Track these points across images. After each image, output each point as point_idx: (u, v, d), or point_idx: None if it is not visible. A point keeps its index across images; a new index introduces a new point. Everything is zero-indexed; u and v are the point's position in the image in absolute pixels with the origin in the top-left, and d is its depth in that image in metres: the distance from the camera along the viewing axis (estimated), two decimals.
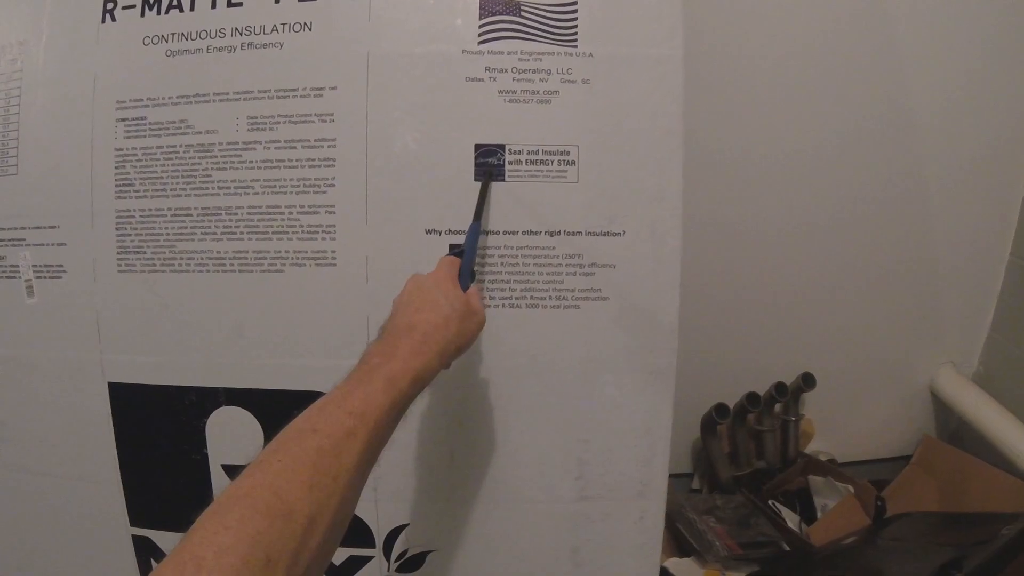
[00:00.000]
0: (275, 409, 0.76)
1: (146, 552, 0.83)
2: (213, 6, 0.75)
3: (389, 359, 0.51)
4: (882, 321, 1.18)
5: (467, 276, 0.64)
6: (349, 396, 0.47)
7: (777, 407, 1.13)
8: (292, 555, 0.38)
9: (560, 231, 0.71)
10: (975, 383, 1.19)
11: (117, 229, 0.77)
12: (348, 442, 0.44)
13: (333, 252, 0.73)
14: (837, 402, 1.19)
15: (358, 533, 0.77)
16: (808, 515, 1.04)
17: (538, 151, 0.71)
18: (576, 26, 0.71)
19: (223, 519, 0.38)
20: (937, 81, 1.10)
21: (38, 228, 0.79)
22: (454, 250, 0.70)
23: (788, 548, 0.94)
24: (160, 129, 0.76)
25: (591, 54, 0.71)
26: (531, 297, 0.72)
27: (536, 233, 0.72)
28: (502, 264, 0.72)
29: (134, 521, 0.82)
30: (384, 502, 0.77)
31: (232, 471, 0.78)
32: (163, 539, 0.82)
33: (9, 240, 0.80)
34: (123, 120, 0.77)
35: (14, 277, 0.81)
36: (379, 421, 0.47)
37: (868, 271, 1.15)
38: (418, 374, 0.51)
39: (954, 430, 1.23)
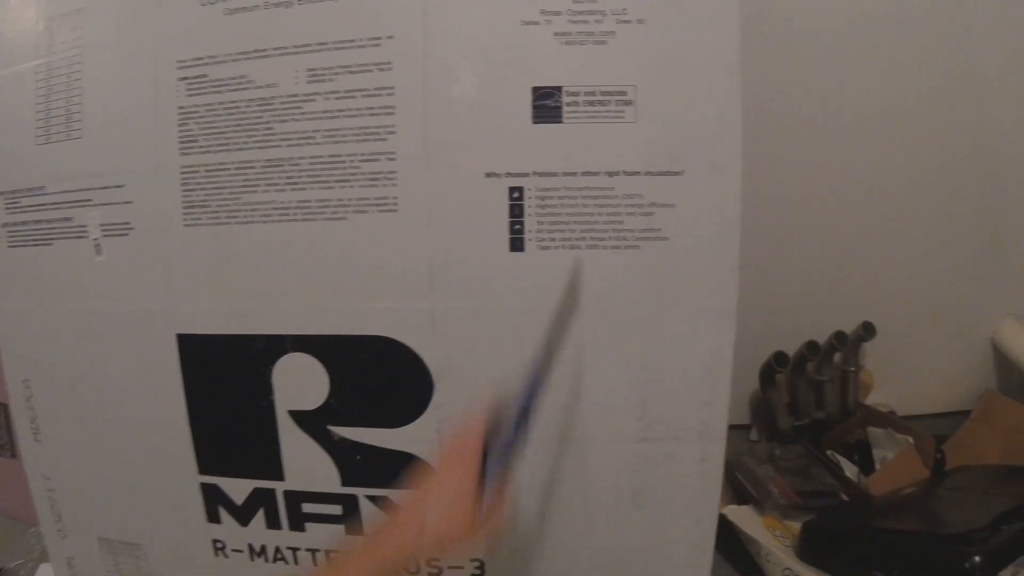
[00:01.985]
0: (340, 354, 0.78)
1: (214, 499, 0.86)
2: None
3: None
4: (945, 271, 1.15)
5: (518, 441, 0.52)
6: None
7: (837, 357, 1.12)
8: None
9: (619, 171, 0.71)
10: None
11: (182, 185, 0.79)
12: None
13: (395, 198, 0.74)
14: (897, 354, 1.16)
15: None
16: (867, 466, 1.02)
17: (595, 92, 0.71)
18: None
19: None
20: (1007, 40, 1.06)
21: (104, 188, 0.82)
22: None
23: (847, 498, 0.94)
24: (222, 85, 0.78)
25: None
26: (591, 238, 0.72)
27: (595, 174, 0.72)
28: (562, 205, 0.72)
29: (203, 469, 0.85)
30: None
31: (298, 417, 0.80)
32: (231, 486, 0.85)
33: (76, 202, 0.83)
34: (184, 79, 0.79)
35: (83, 237, 0.84)
36: None
37: (931, 220, 1.12)
38: None
39: (1017, 384, 1.20)
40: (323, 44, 0.75)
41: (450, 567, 0.83)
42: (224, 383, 0.82)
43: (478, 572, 0.82)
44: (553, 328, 0.63)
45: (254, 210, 0.77)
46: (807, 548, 0.87)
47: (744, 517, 0.92)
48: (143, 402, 0.84)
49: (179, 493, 0.86)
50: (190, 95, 0.79)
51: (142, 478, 0.87)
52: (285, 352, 0.79)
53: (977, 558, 0.77)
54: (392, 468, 0.77)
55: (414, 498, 0.53)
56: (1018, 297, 1.17)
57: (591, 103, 0.71)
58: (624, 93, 0.71)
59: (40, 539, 0.98)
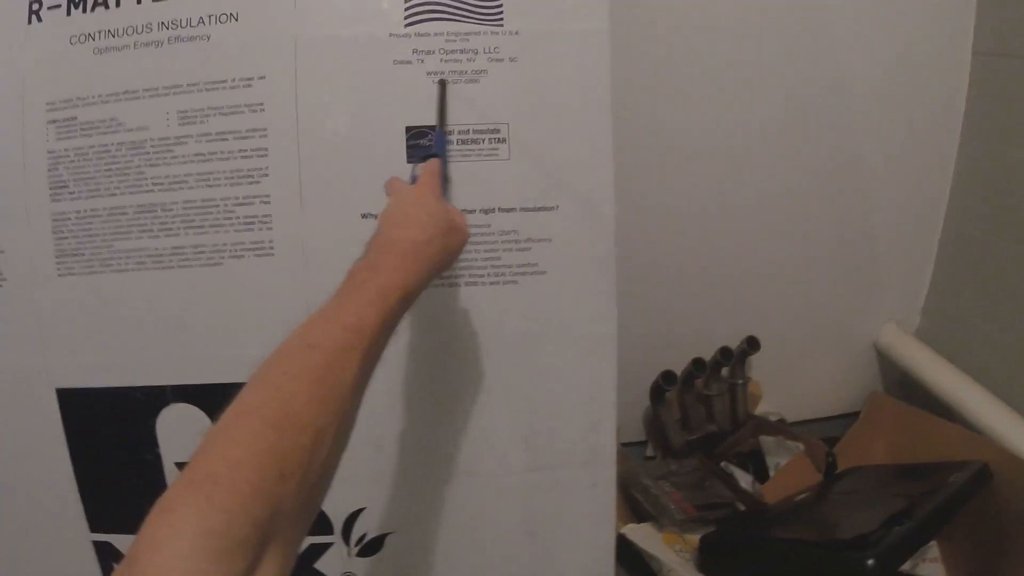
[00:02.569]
0: (222, 402, 0.76)
1: (108, 557, 0.82)
2: (139, 1, 0.74)
3: (375, 274, 0.50)
4: (824, 282, 1.21)
5: (445, 181, 0.65)
6: (340, 312, 0.47)
7: (724, 371, 1.16)
8: (304, 468, 0.38)
9: (494, 208, 0.72)
10: (918, 338, 1.23)
11: (54, 232, 0.76)
12: (346, 356, 0.44)
13: (271, 241, 0.73)
14: (783, 364, 1.21)
15: (315, 521, 0.78)
16: (761, 475, 1.07)
17: (469, 130, 0.72)
18: (501, 5, 0.72)
19: (232, 434, 0.37)
20: (871, 52, 1.12)
21: None
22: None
23: (743, 507, 0.97)
24: (91, 128, 0.75)
25: (517, 32, 0.72)
26: (470, 275, 0.73)
27: (471, 212, 0.72)
28: None
29: (94, 527, 0.81)
30: (338, 487, 0.76)
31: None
32: (124, 542, 0.81)
33: None
34: (54, 122, 0.76)
35: None
36: (374, 336, 0.46)
37: (808, 235, 1.18)
38: (406, 290, 0.51)
39: (900, 385, 1.27)
40: (194, 84, 0.73)
41: None
42: (108, 437, 0.79)
43: None
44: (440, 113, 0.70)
45: (128, 257, 0.75)
46: (707, 562, 0.90)
47: (644, 535, 0.94)
48: (25, 462, 0.80)
49: (72, 553, 0.82)
50: (60, 139, 0.76)
51: (33, 541, 0.83)
52: (167, 403, 0.77)
53: (870, 561, 0.80)
54: None
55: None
56: (897, 303, 1.25)
57: (464, 141, 0.72)
58: (497, 131, 0.72)
59: None
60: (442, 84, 0.71)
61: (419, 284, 0.53)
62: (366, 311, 0.47)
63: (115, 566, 0.81)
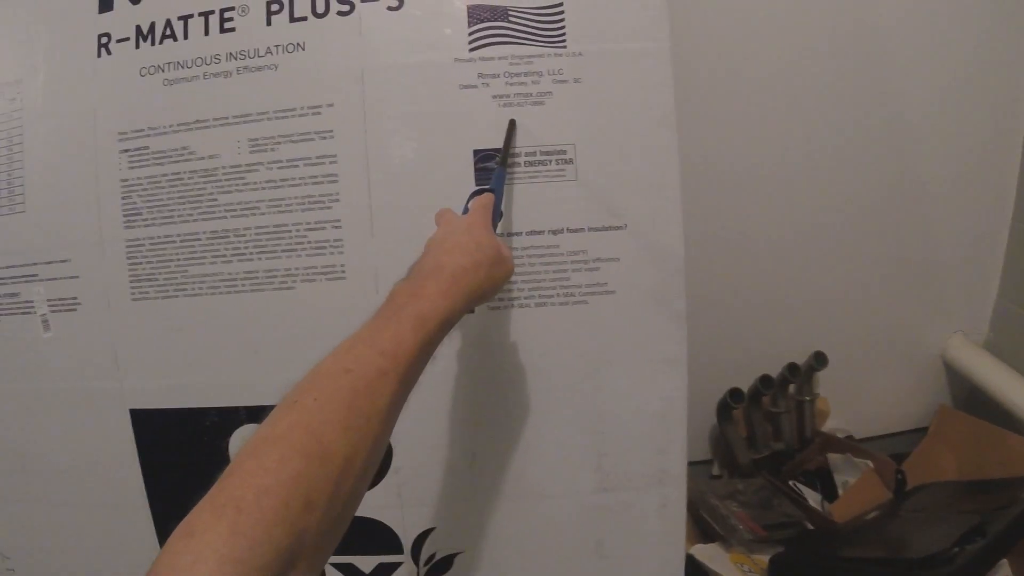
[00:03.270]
0: None
1: None
2: (206, 33, 0.76)
3: (417, 299, 0.50)
4: (889, 296, 1.19)
5: (497, 217, 0.65)
6: (378, 335, 0.46)
7: (791, 388, 1.14)
8: (329, 497, 0.38)
9: (563, 229, 0.73)
10: (986, 350, 1.19)
11: (128, 258, 0.78)
12: (381, 382, 0.43)
13: (342, 266, 0.74)
14: (850, 379, 1.19)
15: (386, 539, 0.78)
16: (829, 493, 1.04)
17: (535, 152, 0.72)
18: (564, 26, 0.72)
19: (261, 461, 0.37)
20: (929, 61, 1.12)
21: (49, 263, 0.81)
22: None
23: (811, 526, 0.95)
24: (163, 157, 0.77)
25: (580, 53, 0.72)
26: (539, 296, 0.73)
27: (539, 232, 0.73)
28: None
29: None
30: (409, 507, 0.78)
31: None
32: None
33: (22, 276, 0.82)
34: (126, 151, 0.78)
35: (29, 312, 0.82)
36: (410, 362, 0.46)
37: (873, 249, 1.16)
38: (446, 316, 0.50)
39: (968, 398, 1.23)
40: (264, 113, 0.75)
41: None
42: (181, 458, 0.80)
43: None
44: (504, 152, 0.71)
45: (201, 282, 0.77)
46: None
47: (711, 555, 0.92)
48: (98, 480, 0.83)
49: (142, 573, 0.84)
50: (132, 167, 0.78)
51: (104, 559, 0.85)
52: (240, 423, 0.78)
53: None
54: (356, 535, 0.76)
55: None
56: (963, 314, 1.22)
57: (531, 163, 0.72)
58: (564, 152, 0.72)
59: None
60: (511, 123, 0.72)
61: (459, 311, 0.52)
62: (404, 336, 0.47)
63: None
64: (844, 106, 1.11)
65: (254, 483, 0.35)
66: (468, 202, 0.64)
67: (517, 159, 0.72)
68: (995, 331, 1.22)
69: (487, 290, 0.57)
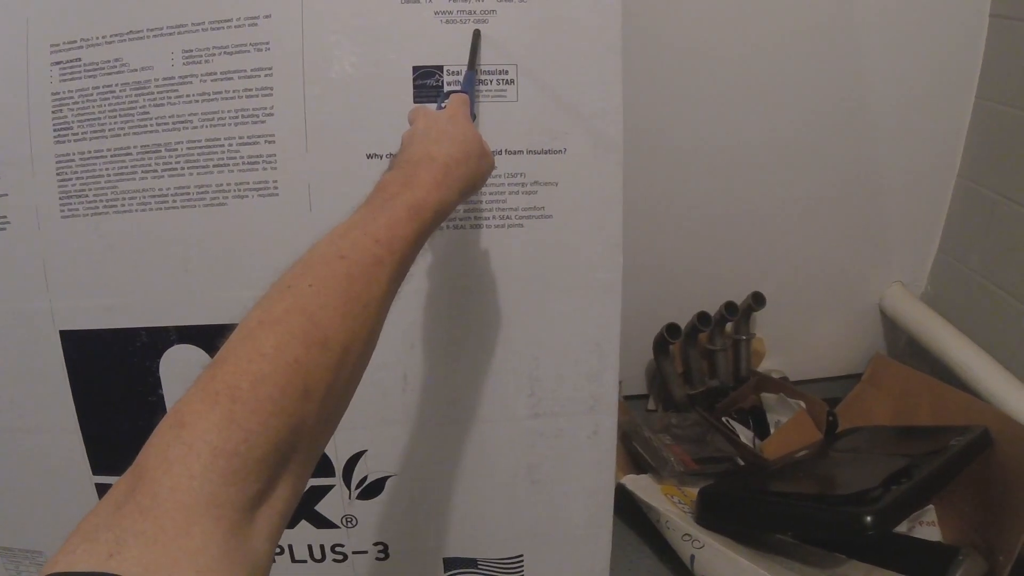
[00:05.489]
0: None
1: None
2: None
3: (410, 188, 0.48)
4: (831, 241, 1.20)
5: (472, 118, 0.63)
6: (372, 223, 0.44)
7: (728, 326, 1.16)
8: (328, 386, 0.36)
9: (501, 150, 0.72)
10: (924, 302, 1.22)
11: (58, 174, 0.75)
12: (377, 270, 0.42)
13: (275, 182, 0.72)
14: (788, 321, 1.21)
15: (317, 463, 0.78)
16: (761, 431, 1.07)
17: (476, 71, 0.71)
18: None
19: (258, 345, 0.35)
20: (884, 22, 1.11)
21: None
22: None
23: (742, 462, 0.97)
24: (96, 69, 0.74)
25: None
26: (475, 217, 0.72)
27: None
28: None
29: (96, 469, 0.82)
30: (341, 430, 0.75)
31: None
32: None
33: None
34: (58, 63, 0.75)
35: None
36: (404, 251, 0.44)
37: (817, 191, 1.17)
38: (441, 206, 0.49)
39: (903, 348, 1.27)
40: (199, 24, 0.72)
41: (354, 552, 0.82)
42: (112, 379, 0.79)
43: (382, 556, 0.83)
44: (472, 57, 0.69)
45: (132, 198, 0.74)
46: (705, 513, 0.91)
47: (643, 486, 0.94)
48: (29, 404, 0.81)
49: (75, 495, 0.83)
50: (64, 80, 0.75)
51: (36, 483, 0.83)
52: (171, 344, 0.77)
53: (868, 517, 0.80)
54: None
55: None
56: (904, 265, 1.24)
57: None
58: (506, 72, 0.71)
59: None
60: (476, 32, 0.70)
61: (452, 202, 0.51)
62: (399, 225, 0.45)
63: None
64: (795, 48, 1.11)
65: (250, 370, 0.33)
66: (442, 102, 0.62)
67: (458, 77, 0.71)
68: (933, 284, 1.25)
69: (477, 182, 0.55)
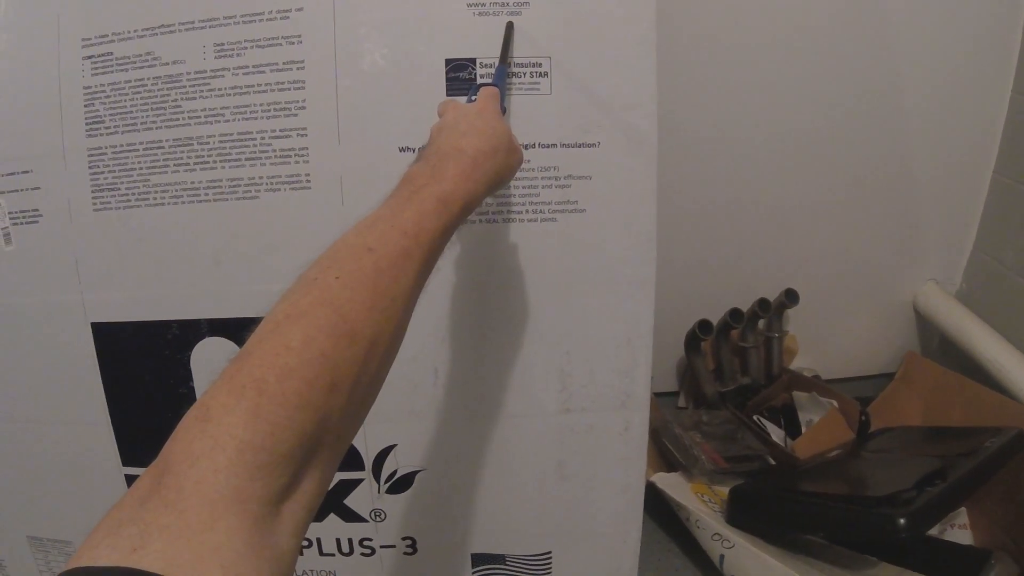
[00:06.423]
0: None
1: None
2: None
3: (438, 180, 0.47)
4: (866, 238, 1.18)
5: (501, 111, 0.62)
6: (399, 215, 0.44)
7: (761, 323, 1.14)
8: (354, 380, 0.36)
9: (534, 144, 0.71)
10: (958, 300, 1.20)
11: (90, 168, 0.76)
12: (405, 263, 0.41)
13: (307, 175, 0.72)
14: (821, 319, 1.20)
15: (347, 455, 0.78)
16: (793, 430, 1.06)
17: (509, 63, 0.70)
18: None
19: (285, 338, 0.34)
20: (919, 13, 1.09)
21: (11, 175, 0.78)
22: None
23: (773, 461, 0.96)
24: (127, 63, 0.74)
25: None
26: (507, 211, 0.72)
27: None
28: None
29: (126, 460, 0.82)
30: (371, 423, 0.76)
31: None
32: None
33: None
34: (89, 58, 0.75)
35: None
36: (432, 244, 0.44)
37: (852, 187, 1.15)
38: (468, 199, 0.48)
39: (937, 347, 1.25)
40: (231, 17, 0.72)
41: (382, 546, 0.82)
42: (143, 371, 0.79)
43: (410, 550, 0.82)
44: (504, 51, 0.68)
45: (164, 191, 0.75)
46: (735, 513, 0.89)
47: (673, 484, 0.93)
48: (60, 396, 0.81)
49: (104, 487, 0.84)
50: (95, 74, 0.76)
51: (66, 474, 0.84)
52: (202, 337, 0.77)
53: (902, 520, 0.79)
54: None
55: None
56: (938, 263, 1.22)
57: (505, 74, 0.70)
58: (539, 64, 0.71)
59: None
60: (510, 25, 0.69)
61: (480, 196, 0.50)
62: (427, 218, 0.44)
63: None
64: (830, 50, 1.09)
65: (277, 363, 0.33)
66: (472, 95, 0.62)
67: (491, 69, 0.70)
68: (968, 282, 1.22)
69: (505, 176, 0.54)
